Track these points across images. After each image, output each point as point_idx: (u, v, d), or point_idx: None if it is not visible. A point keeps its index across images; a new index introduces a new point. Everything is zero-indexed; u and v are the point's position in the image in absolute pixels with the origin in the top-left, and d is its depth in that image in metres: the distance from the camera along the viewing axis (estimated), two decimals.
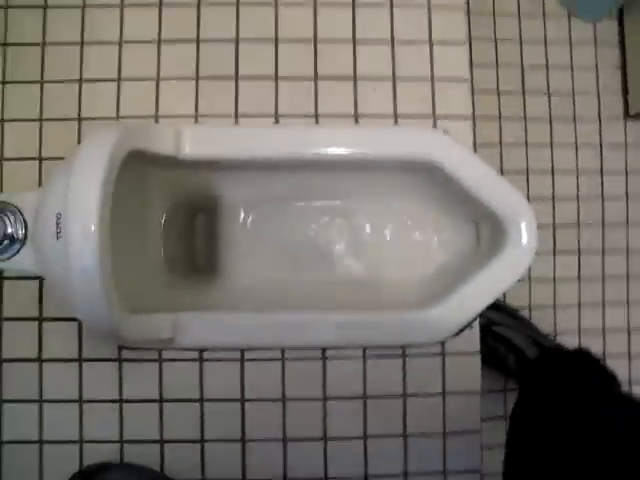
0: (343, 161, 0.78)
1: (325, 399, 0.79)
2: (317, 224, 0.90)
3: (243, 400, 0.78)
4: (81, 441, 0.78)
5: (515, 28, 1.20)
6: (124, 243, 0.77)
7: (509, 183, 0.79)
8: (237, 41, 0.80)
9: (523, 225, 0.77)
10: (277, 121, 0.80)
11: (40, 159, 0.79)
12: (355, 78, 0.81)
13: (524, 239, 0.77)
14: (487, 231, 0.85)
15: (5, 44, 0.80)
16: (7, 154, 0.79)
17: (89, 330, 0.69)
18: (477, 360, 0.80)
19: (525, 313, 1.18)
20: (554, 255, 1.19)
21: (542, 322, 1.17)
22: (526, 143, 1.20)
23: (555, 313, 1.20)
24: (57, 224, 0.60)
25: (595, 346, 1.17)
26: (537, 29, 1.21)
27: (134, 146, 0.67)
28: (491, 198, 0.78)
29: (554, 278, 1.20)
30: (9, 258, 0.67)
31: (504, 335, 1.08)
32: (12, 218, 0.66)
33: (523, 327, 1.11)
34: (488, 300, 0.78)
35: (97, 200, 0.59)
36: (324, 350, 0.79)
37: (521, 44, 1.20)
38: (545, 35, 1.21)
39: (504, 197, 0.78)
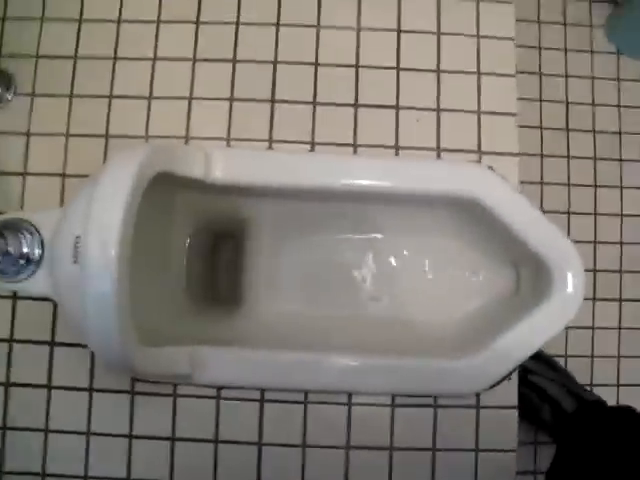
0: (380, 193, 0.74)
1: (348, 447, 0.73)
2: (348, 258, 0.85)
3: (260, 444, 0.73)
4: (86, 477, 0.74)
5: (561, 62, 1.15)
6: (144, 269, 0.74)
7: (556, 227, 0.73)
8: (275, 63, 0.77)
9: (570, 273, 0.72)
10: (313, 149, 0.76)
11: (64, 175, 0.76)
12: (398, 107, 0.77)
13: (570, 288, 0.72)
14: (529, 276, 0.79)
15: (37, 56, 0.78)
16: (30, 169, 0.76)
17: (101, 361, 0.64)
18: (514, 415, 0.74)
19: (560, 362, 1.11)
20: (594, 301, 1.13)
21: (578, 372, 1.10)
22: (568, 183, 1.14)
23: (592, 363, 1.13)
24: (75, 247, 0.56)
25: (635, 402, 1.10)
26: (584, 64, 1.16)
27: (162, 168, 0.63)
28: (536, 241, 0.73)
29: (593, 326, 1.13)
30: (24, 279, 0.63)
31: (539, 384, 1.01)
32: (29, 237, 0.63)
33: (559, 377, 1.04)
34: (529, 351, 0.72)
35: (119, 224, 0.55)
36: (350, 395, 0.73)
37: (567, 79, 1.15)
38: (592, 71, 1.16)
39: (551, 241, 0.73)
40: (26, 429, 0.74)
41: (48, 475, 0.74)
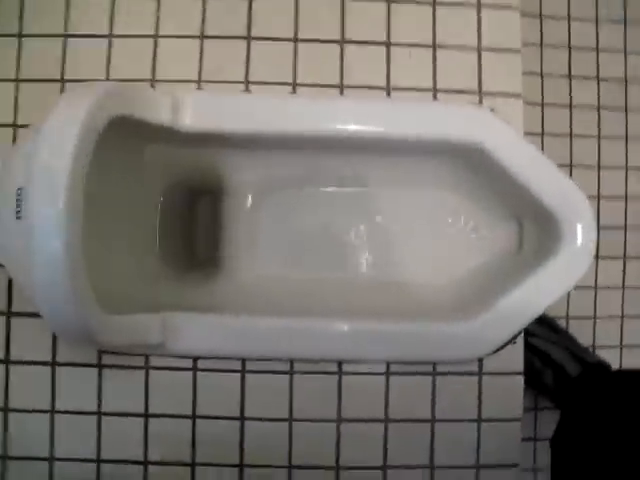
0: (369, 140, 0.66)
1: (339, 421, 0.67)
2: (335, 214, 0.78)
3: (243, 418, 0.67)
4: (52, 458, 0.67)
5: (564, 3, 1.06)
6: (111, 229, 0.66)
7: (565, 175, 0.67)
8: None
9: (580, 225, 0.65)
10: (294, 90, 0.68)
11: (15, 126, 0.67)
12: (389, 43, 0.68)
13: (580, 241, 0.65)
14: (534, 230, 0.73)
15: None
16: None
17: (54, 331, 0.57)
18: (520, 382, 0.68)
19: (562, 323, 1.05)
20: (596, 259, 1.06)
21: (580, 334, 1.04)
22: (570, 134, 1.07)
23: (595, 325, 1.07)
24: (17, 201, 0.48)
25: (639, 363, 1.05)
26: (587, 5, 1.08)
27: (119, 111, 0.55)
28: (543, 191, 0.66)
29: (595, 286, 1.07)
30: None
31: (541, 348, 0.96)
32: None
33: (562, 339, 0.99)
34: (536, 311, 0.66)
35: (67, 173, 0.47)
36: (340, 363, 0.67)
37: (569, 21, 1.07)
38: (596, 12, 1.08)
39: (559, 191, 0.66)
40: None
41: (10, 458, 0.67)
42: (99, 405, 0.67)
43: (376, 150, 0.72)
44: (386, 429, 0.67)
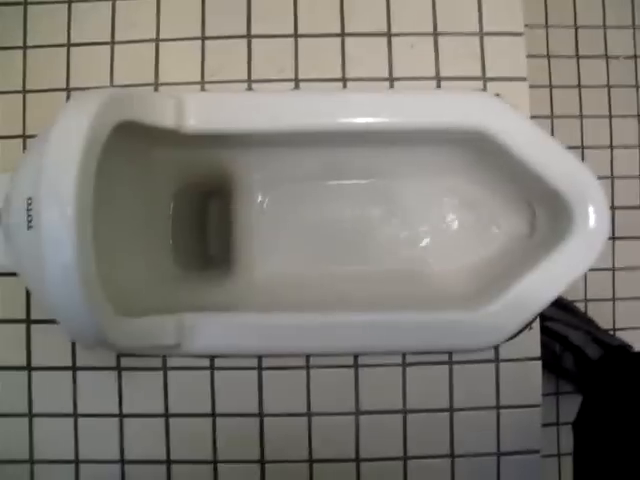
0: (376, 131, 0.66)
1: (358, 413, 0.67)
2: (347, 207, 0.78)
3: (262, 415, 0.67)
4: (77, 461, 0.68)
5: None
6: (122, 234, 0.67)
7: (574, 156, 0.66)
8: None
9: (592, 207, 0.64)
10: (297, 86, 0.68)
11: (24, 137, 0.68)
12: (389, 34, 0.68)
13: (593, 223, 0.64)
14: (546, 214, 0.72)
15: None
16: None
17: (70, 336, 0.58)
18: (537, 367, 0.68)
19: (580, 306, 1.04)
20: (613, 240, 1.05)
21: (599, 317, 1.03)
22: (581, 115, 1.05)
23: (614, 306, 1.06)
24: (28, 211, 0.49)
25: None
26: None
27: (124, 117, 0.55)
28: (553, 174, 0.65)
29: (613, 267, 1.06)
30: None
31: (559, 332, 0.95)
32: None
33: (581, 323, 0.98)
34: (551, 296, 0.65)
35: (74, 181, 0.47)
36: (356, 356, 0.67)
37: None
38: None
39: (569, 173, 0.65)
40: (8, 415, 0.68)
41: (36, 462, 0.69)
42: (120, 407, 0.68)
43: (384, 141, 0.72)
44: (405, 420, 0.67)
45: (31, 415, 0.68)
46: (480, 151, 0.70)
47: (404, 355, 0.67)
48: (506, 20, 0.69)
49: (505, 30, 0.69)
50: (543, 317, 0.94)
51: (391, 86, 0.68)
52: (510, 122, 0.66)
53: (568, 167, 0.66)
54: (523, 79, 0.69)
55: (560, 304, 0.99)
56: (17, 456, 0.68)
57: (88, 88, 0.67)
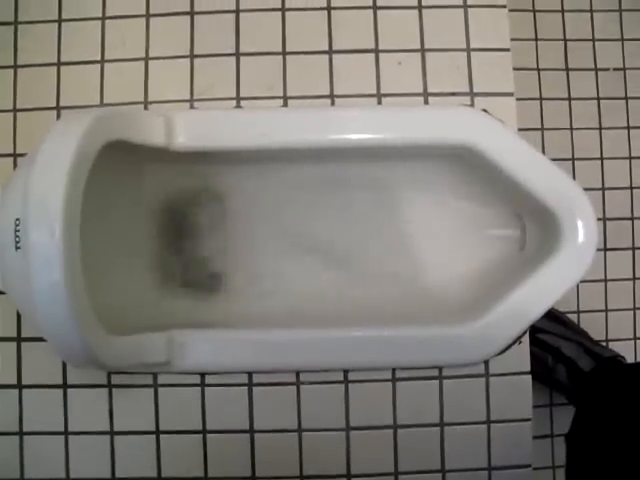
0: (364, 147, 0.67)
1: (348, 429, 0.67)
2: (336, 221, 0.77)
3: (252, 431, 0.67)
4: (68, 479, 0.68)
5: None
6: (110, 251, 0.67)
7: (562, 170, 0.66)
8: (237, 11, 0.69)
9: (580, 221, 0.65)
10: (286, 103, 0.68)
11: (15, 155, 0.69)
12: (377, 50, 0.69)
13: (581, 237, 0.65)
14: (535, 228, 0.73)
15: None
16: None
17: (60, 355, 0.58)
18: (528, 381, 0.68)
19: (572, 318, 1.04)
20: (605, 252, 1.05)
21: (592, 328, 1.03)
22: (571, 127, 1.06)
23: (607, 318, 1.06)
24: (15, 232, 0.49)
25: None
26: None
27: (112, 137, 0.56)
28: (541, 188, 0.66)
29: (605, 278, 1.06)
30: None
31: (552, 344, 0.95)
32: None
33: (573, 334, 0.98)
34: (541, 310, 0.66)
35: (61, 202, 0.48)
36: (346, 372, 0.67)
37: (563, 14, 1.06)
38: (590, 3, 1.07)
39: (557, 187, 0.66)
40: None
41: None
42: (111, 424, 0.68)
43: (373, 156, 0.72)
44: (395, 435, 0.67)
45: (22, 433, 0.68)
46: (469, 165, 0.71)
47: (394, 370, 0.67)
48: (492, 36, 0.70)
49: (492, 46, 0.70)
50: (535, 329, 0.95)
51: (379, 102, 0.68)
52: (498, 137, 0.66)
53: (556, 182, 0.66)
54: (510, 94, 0.69)
55: (552, 316, 1.00)
56: (8, 475, 0.68)
57: (78, 107, 0.68)
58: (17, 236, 0.49)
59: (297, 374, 0.67)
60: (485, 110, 0.68)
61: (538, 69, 1.06)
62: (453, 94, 0.69)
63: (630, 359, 0.99)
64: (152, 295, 0.72)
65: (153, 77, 0.69)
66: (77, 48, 0.69)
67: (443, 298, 0.74)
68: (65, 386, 0.68)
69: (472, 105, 0.69)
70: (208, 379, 0.67)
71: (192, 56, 0.69)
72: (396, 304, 0.75)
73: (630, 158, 1.06)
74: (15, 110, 0.69)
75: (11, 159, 0.69)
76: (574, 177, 1.05)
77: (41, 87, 0.69)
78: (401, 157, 0.73)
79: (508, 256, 0.75)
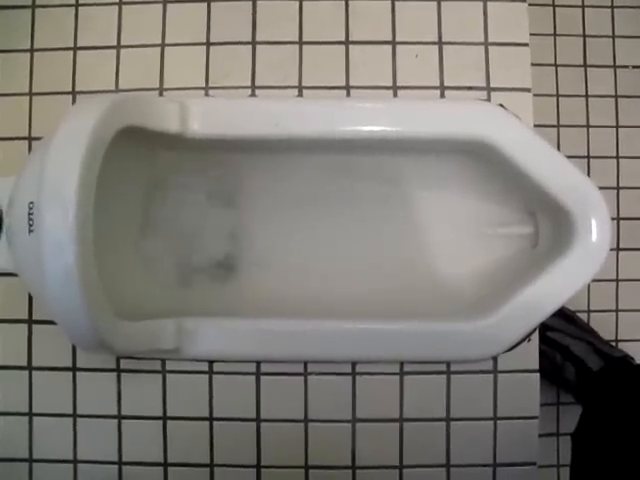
0: (378, 140, 0.66)
1: (354, 421, 0.67)
2: (348, 213, 0.77)
3: (259, 420, 0.67)
4: (75, 461, 0.69)
5: None
6: (122, 237, 0.68)
7: (577, 168, 0.66)
8: (254, 0, 0.68)
9: (594, 219, 0.64)
10: (301, 93, 0.68)
11: (30, 139, 0.69)
12: (394, 42, 0.68)
13: (595, 236, 0.64)
14: (548, 226, 0.72)
15: None
16: None
17: (71, 339, 0.59)
18: (535, 379, 0.68)
19: (583, 317, 1.04)
20: (617, 251, 1.04)
21: (602, 328, 1.03)
22: (587, 124, 1.05)
23: (617, 318, 1.05)
24: (29, 215, 0.49)
25: None
26: None
27: (127, 122, 0.56)
28: (556, 186, 0.65)
29: (617, 278, 1.05)
30: None
31: (561, 342, 0.95)
32: None
33: (583, 333, 0.97)
34: (550, 308, 0.65)
35: (75, 186, 0.48)
36: (354, 364, 0.67)
37: (583, 10, 1.05)
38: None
39: (572, 185, 0.65)
40: (8, 413, 0.69)
41: (35, 461, 0.69)
42: (119, 408, 0.68)
43: (387, 149, 0.72)
44: (401, 428, 0.67)
45: (31, 414, 0.69)
46: (483, 161, 0.70)
47: (402, 364, 0.67)
48: (511, 30, 0.69)
49: (510, 40, 0.69)
50: (545, 327, 0.94)
51: (395, 95, 0.68)
52: (514, 133, 0.66)
53: (571, 179, 0.65)
54: (527, 90, 0.69)
55: (562, 314, 0.99)
56: (17, 455, 0.69)
57: (94, 92, 0.68)
58: (31, 219, 0.49)
59: (305, 365, 0.67)
60: (502, 105, 0.67)
61: (556, 65, 1.05)
62: (470, 88, 0.68)
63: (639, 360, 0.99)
64: (162, 281, 0.72)
65: (169, 64, 0.68)
66: (94, 33, 0.69)
67: (454, 294, 0.74)
68: (74, 369, 0.69)
69: (489, 100, 0.68)
70: (216, 367, 0.67)
71: (208, 44, 0.68)
72: (407, 298, 0.75)
73: None
74: (31, 94, 0.69)
75: (26, 142, 0.69)
76: (589, 175, 1.03)
77: (57, 71, 0.69)
78: (415, 151, 0.72)
79: (520, 253, 0.75)
